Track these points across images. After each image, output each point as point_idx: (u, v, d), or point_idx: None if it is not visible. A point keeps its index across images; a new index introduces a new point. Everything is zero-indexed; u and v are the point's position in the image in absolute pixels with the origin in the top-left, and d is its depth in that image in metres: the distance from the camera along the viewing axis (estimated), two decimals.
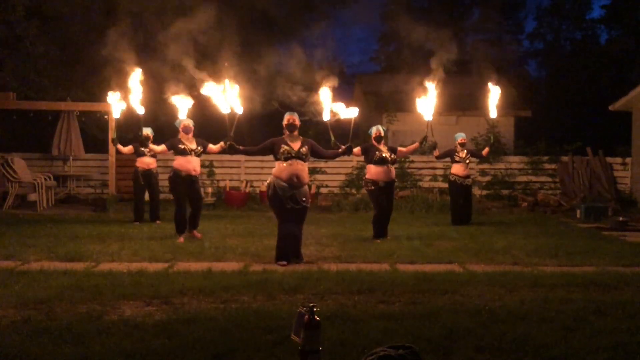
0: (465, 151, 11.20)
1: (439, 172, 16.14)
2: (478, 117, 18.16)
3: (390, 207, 9.32)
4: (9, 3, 13.71)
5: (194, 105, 9.06)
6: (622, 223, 11.41)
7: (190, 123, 9.01)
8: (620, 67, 27.05)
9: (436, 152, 10.95)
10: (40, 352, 4.01)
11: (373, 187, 9.09)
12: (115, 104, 10.23)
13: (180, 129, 8.99)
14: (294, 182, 7.20)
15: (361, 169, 15.77)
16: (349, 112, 7.45)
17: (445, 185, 15.68)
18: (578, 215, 12.96)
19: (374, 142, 9.21)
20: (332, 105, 7.37)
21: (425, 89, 8.97)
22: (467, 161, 11.19)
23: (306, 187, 7.43)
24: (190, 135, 8.99)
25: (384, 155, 9.07)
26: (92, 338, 4.31)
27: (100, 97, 12.62)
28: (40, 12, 14.39)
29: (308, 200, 7.43)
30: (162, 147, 9.17)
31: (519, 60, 35.00)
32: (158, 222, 10.92)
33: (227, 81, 7.24)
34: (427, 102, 9.01)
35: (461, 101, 18.05)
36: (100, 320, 4.78)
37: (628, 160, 16.14)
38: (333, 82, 7.30)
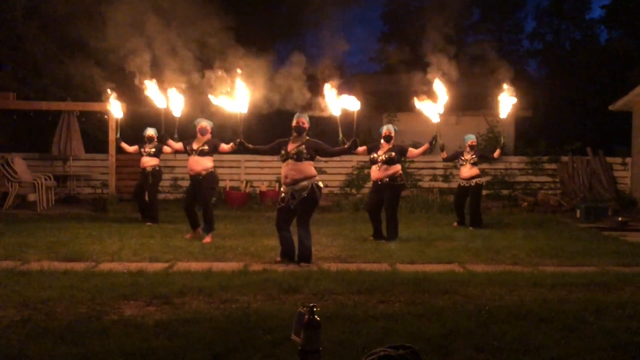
0: (472, 153, 10.96)
1: (439, 172, 16.14)
2: (478, 117, 18.17)
3: (389, 208, 9.18)
4: (8, 3, 13.71)
5: (204, 105, 9.10)
6: (622, 223, 11.40)
7: (207, 124, 9.13)
8: (620, 67, 27.03)
9: (443, 155, 10.83)
10: (40, 352, 4.01)
11: (371, 185, 9.37)
12: (115, 104, 10.35)
13: (197, 130, 9.14)
14: (286, 181, 7.30)
15: (361, 169, 15.79)
16: (350, 105, 7.42)
17: (445, 185, 15.76)
18: (578, 215, 12.96)
19: (383, 142, 9.23)
20: (337, 101, 7.35)
21: (430, 90, 8.96)
22: (472, 162, 10.93)
23: (303, 185, 7.22)
24: (206, 136, 9.11)
25: (374, 156, 9.18)
26: (92, 338, 4.31)
27: (100, 97, 12.62)
28: (40, 12, 14.40)
29: (299, 199, 7.21)
30: (179, 145, 9.40)
31: (519, 60, 35.02)
32: (148, 223, 10.70)
33: (237, 81, 7.28)
34: (434, 103, 9.01)
35: (461, 101, 18.03)
36: (100, 320, 4.78)
37: (628, 160, 16.14)
38: (336, 79, 7.31)
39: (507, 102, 10.40)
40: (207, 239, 8.81)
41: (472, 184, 10.99)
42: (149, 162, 10.99)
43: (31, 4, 14.06)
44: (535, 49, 35.62)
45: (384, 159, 9.07)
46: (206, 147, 9.01)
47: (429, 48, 9.73)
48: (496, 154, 11.26)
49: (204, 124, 9.13)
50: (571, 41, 34.29)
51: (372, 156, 9.19)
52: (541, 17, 35.09)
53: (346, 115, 7.44)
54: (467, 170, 10.96)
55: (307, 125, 7.49)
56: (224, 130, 11.59)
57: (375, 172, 9.14)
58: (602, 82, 26.87)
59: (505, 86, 10.39)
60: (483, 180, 11.37)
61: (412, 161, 16.09)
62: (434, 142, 9.21)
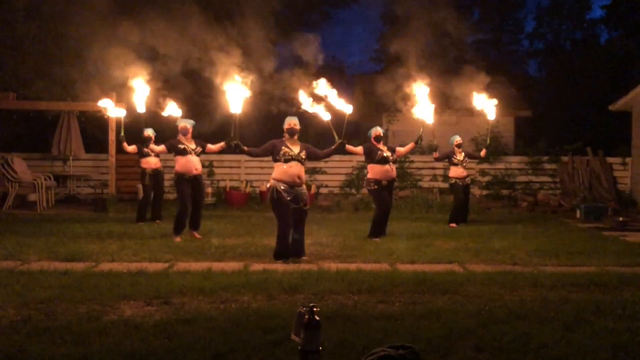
0: (463, 153, 11.29)
1: (439, 172, 16.15)
2: (478, 117, 18.16)
3: (390, 205, 9.54)
4: (8, 3, 13.70)
5: (193, 105, 9.15)
6: (622, 223, 11.41)
7: (187, 124, 9.19)
8: (620, 67, 27.02)
9: (435, 154, 11.05)
10: (40, 352, 4.01)
11: (376, 186, 9.24)
12: (111, 107, 10.37)
13: (179, 131, 9.14)
14: (296, 182, 7.43)
15: (361, 169, 15.78)
16: (344, 108, 7.53)
17: (446, 185, 15.75)
18: (578, 215, 12.96)
19: (374, 142, 9.36)
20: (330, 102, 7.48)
21: (422, 91, 9.12)
22: (464, 164, 11.25)
23: (305, 187, 7.66)
24: (189, 136, 9.19)
25: (385, 154, 9.25)
26: (92, 338, 4.30)
27: (100, 97, 12.62)
28: (40, 12, 14.38)
29: (307, 200, 7.66)
30: (161, 148, 9.37)
31: (519, 60, 35.03)
32: (158, 221, 10.97)
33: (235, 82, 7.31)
34: (424, 105, 9.19)
35: (462, 101, 18.03)
36: (100, 320, 4.77)
37: (628, 160, 16.14)
38: (332, 81, 7.40)
39: (490, 104, 10.77)
40: (197, 235, 9.12)
41: (467, 183, 11.34)
42: (158, 162, 11.13)
43: (31, 4, 14.04)
44: (535, 49, 35.62)
45: (394, 157, 9.44)
46: (199, 148, 9.15)
47: (427, 49, 9.85)
48: (482, 153, 11.69)
49: (185, 124, 9.16)
50: (571, 41, 34.28)
51: (383, 156, 9.25)
52: (541, 17, 35.07)
53: (340, 115, 7.55)
54: (462, 170, 11.23)
55: (298, 127, 7.70)
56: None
57: (389, 171, 9.28)
58: (602, 82, 26.85)
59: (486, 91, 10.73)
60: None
61: (412, 161, 16.14)
62: (419, 142, 9.57)
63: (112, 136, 13.74)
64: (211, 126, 10.93)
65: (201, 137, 9.50)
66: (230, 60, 7.63)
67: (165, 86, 9.12)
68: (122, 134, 10.39)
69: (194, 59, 8.52)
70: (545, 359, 4.07)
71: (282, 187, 7.38)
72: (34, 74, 14.48)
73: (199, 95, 8.15)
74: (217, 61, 7.69)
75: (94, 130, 16.50)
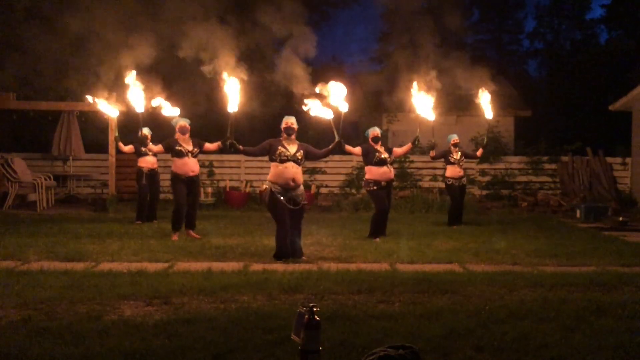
0: (460, 152, 11.21)
1: (439, 172, 16.12)
2: (478, 117, 18.18)
3: (389, 206, 9.54)
4: (8, 3, 13.70)
5: (191, 104, 9.11)
6: (622, 223, 11.41)
7: (186, 123, 9.17)
8: (620, 67, 27.03)
9: (432, 153, 11.00)
10: (40, 352, 4.01)
11: (375, 187, 9.24)
12: (108, 107, 10.33)
13: (177, 130, 9.09)
14: (290, 185, 7.42)
15: (361, 169, 15.77)
16: (340, 107, 7.52)
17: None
18: (578, 215, 12.96)
19: (372, 143, 9.34)
20: (329, 102, 7.47)
21: (423, 90, 9.14)
22: (461, 163, 11.18)
23: (302, 187, 7.63)
24: (187, 135, 9.15)
25: (383, 156, 9.24)
26: (92, 338, 4.31)
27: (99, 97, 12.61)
28: (40, 12, 14.38)
29: (305, 200, 7.65)
30: (158, 147, 9.23)
31: (519, 60, 35.05)
32: (155, 221, 10.94)
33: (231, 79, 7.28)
34: (425, 103, 9.21)
35: (461, 101, 18.05)
36: (100, 320, 4.77)
37: (628, 160, 16.15)
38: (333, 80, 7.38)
39: (488, 103, 10.79)
40: (195, 235, 9.13)
41: (463, 183, 11.27)
42: (155, 162, 11.12)
43: (31, 4, 14.04)
44: (535, 49, 35.67)
45: (392, 158, 9.43)
46: (197, 149, 9.13)
47: (426, 49, 9.87)
48: (478, 152, 11.72)
49: (183, 122, 9.13)
50: (571, 41, 34.31)
51: (381, 157, 9.26)
52: (541, 17, 35.13)
53: (338, 114, 7.54)
54: (459, 170, 11.16)
55: (296, 126, 7.68)
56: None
57: (387, 172, 9.29)
58: (602, 82, 26.86)
59: (484, 88, 10.73)
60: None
61: (412, 161, 16.13)
62: (417, 142, 9.49)
63: (112, 136, 13.73)
64: (208, 125, 10.92)
65: (199, 135, 9.47)
66: (228, 59, 7.61)
67: (164, 85, 9.09)
68: (116, 134, 10.42)
69: (192, 56, 8.50)
70: (545, 359, 4.07)
71: (276, 189, 7.38)
72: (34, 74, 14.48)
73: (193, 89, 8.13)
74: (216, 60, 7.68)
75: (94, 130, 16.49)
